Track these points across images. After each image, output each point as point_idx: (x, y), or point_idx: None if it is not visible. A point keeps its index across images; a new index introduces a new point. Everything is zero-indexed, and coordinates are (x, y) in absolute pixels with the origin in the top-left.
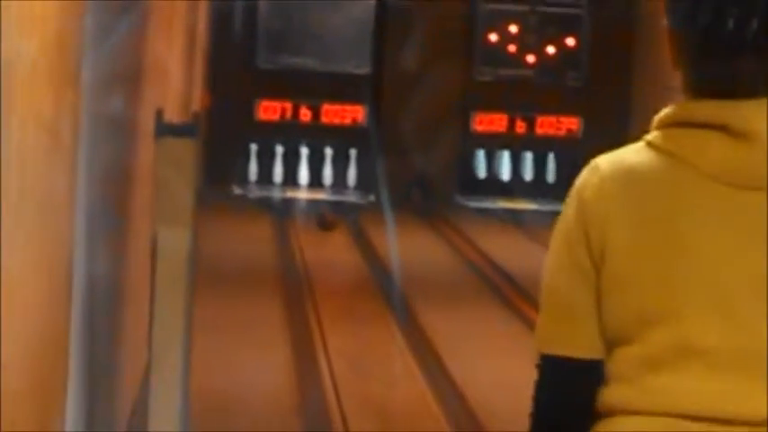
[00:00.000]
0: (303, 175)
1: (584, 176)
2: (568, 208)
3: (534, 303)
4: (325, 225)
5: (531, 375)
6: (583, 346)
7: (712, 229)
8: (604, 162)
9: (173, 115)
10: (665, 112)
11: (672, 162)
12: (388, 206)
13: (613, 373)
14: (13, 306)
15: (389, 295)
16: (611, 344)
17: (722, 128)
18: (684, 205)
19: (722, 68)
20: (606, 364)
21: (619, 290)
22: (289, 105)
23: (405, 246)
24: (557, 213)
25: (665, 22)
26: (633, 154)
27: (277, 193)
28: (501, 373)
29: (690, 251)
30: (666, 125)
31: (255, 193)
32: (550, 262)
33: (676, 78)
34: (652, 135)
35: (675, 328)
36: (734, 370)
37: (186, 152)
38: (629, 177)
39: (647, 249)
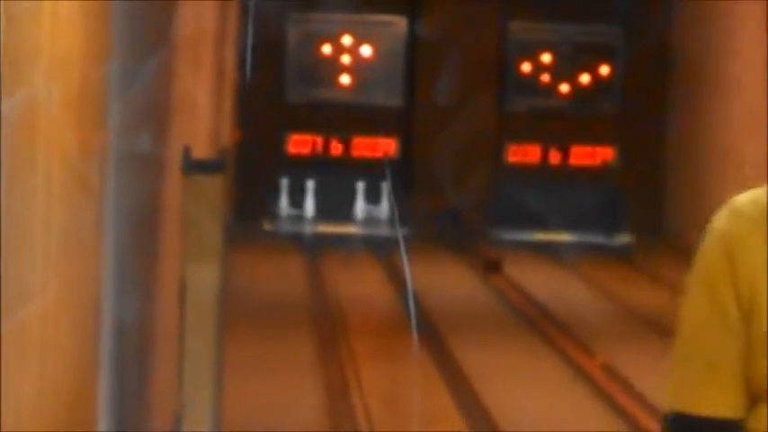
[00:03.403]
0: (335, 208)
1: (728, 221)
2: (712, 254)
3: (571, 336)
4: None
5: (566, 411)
6: (725, 403)
7: None
8: (747, 206)
9: (202, 151)
10: None
11: None
12: (402, 242)
13: None
14: (42, 347)
15: (422, 330)
16: (757, 399)
17: None
18: None
19: None
20: (748, 422)
21: None
22: (319, 139)
23: (438, 279)
24: (591, 244)
25: None
26: None
27: (308, 228)
28: (538, 409)
29: None
30: None
31: (286, 228)
32: (691, 311)
33: (712, 107)
34: None
35: None
36: None
37: (214, 188)
38: None
39: None
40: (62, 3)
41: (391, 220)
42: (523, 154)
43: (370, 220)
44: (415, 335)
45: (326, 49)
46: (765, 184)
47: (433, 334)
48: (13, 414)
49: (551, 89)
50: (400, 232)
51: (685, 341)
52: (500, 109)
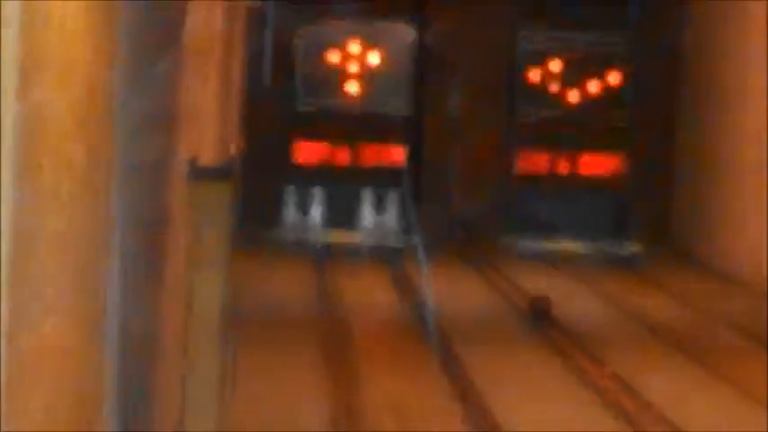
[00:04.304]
0: (342, 218)
1: None
2: None
3: (581, 347)
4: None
5: (577, 421)
6: None
7: None
8: None
9: (208, 159)
10: None
11: None
12: (421, 251)
13: None
14: (47, 360)
15: (433, 341)
16: None
17: None
18: None
19: None
20: None
21: None
22: (327, 147)
23: (449, 289)
24: (601, 253)
25: None
26: None
27: (315, 237)
28: (547, 420)
29: None
30: None
31: (293, 236)
32: None
33: (722, 116)
34: None
35: None
36: None
37: (221, 196)
38: None
39: None
40: (69, 10)
41: (398, 230)
42: (532, 163)
43: (377, 230)
44: (432, 347)
45: (334, 57)
46: None
47: (444, 344)
48: (20, 424)
49: (560, 98)
50: (420, 242)
51: None
52: (509, 117)
